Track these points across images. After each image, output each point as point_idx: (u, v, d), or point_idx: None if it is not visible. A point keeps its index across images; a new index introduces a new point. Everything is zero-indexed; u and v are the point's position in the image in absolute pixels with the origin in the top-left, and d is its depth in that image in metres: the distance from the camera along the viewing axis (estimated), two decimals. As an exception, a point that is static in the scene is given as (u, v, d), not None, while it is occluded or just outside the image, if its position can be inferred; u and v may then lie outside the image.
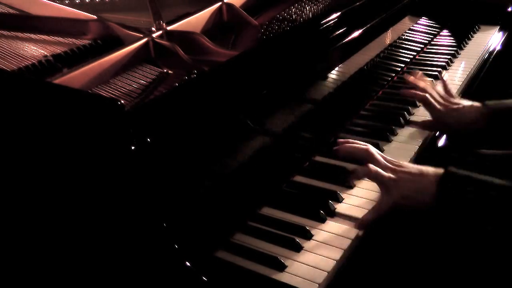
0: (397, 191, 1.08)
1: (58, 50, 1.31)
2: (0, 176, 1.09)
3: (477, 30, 2.17)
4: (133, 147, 0.91)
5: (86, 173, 0.96)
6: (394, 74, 1.78)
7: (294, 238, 1.05)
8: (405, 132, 1.46)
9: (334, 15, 1.47)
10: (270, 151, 1.21)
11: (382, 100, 1.64)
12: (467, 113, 1.38)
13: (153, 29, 1.36)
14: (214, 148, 1.06)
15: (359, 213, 1.13)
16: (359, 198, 1.19)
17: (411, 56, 1.90)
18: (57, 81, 1.13)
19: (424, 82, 1.49)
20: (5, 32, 1.40)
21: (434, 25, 2.10)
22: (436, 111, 1.41)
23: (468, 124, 1.38)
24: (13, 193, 1.08)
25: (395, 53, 1.80)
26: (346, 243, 1.05)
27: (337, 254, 1.02)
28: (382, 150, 1.36)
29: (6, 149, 1.07)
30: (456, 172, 1.04)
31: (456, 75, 1.82)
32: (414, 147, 1.39)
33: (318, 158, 1.34)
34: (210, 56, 1.34)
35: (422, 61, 1.91)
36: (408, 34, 1.91)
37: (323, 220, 1.11)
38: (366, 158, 1.15)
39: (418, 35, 1.98)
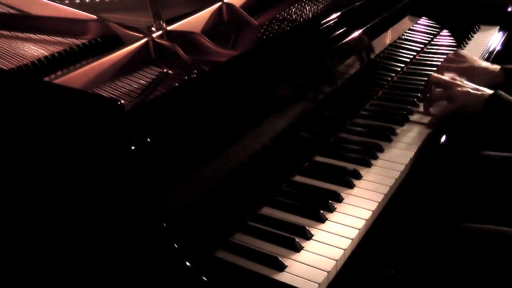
0: (460, 100, 1.45)
1: (58, 50, 1.31)
2: (0, 176, 1.09)
3: (477, 30, 2.17)
4: (133, 147, 0.91)
5: (86, 173, 0.96)
6: (394, 74, 1.78)
7: (294, 238, 1.05)
8: (405, 132, 1.46)
9: (334, 15, 1.47)
10: (270, 151, 1.21)
11: (382, 100, 1.64)
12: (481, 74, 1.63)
13: (153, 29, 1.36)
14: (214, 148, 1.06)
15: (359, 213, 1.13)
16: (359, 198, 1.19)
17: (411, 56, 1.90)
18: (57, 81, 1.13)
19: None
20: (5, 32, 1.40)
21: (434, 25, 2.10)
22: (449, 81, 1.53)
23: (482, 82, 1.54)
24: (13, 193, 1.08)
25: (395, 53, 1.80)
26: (346, 243, 1.05)
27: (337, 254, 1.02)
28: (382, 150, 1.36)
29: (6, 149, 1.07)
30: (502, 95, 1.40)
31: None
32: (414, 146, 1.39)
33: (318, 158, 1.34)
34: (210, 56, 1.34)
35: (422, 61, 1.91)
36: (408, 34, 1.91)
37: (323, 220, 1.11)
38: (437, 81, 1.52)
39: (418, 35, 1.98)
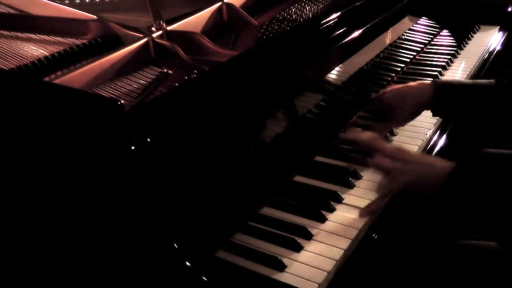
0: (404, 178, 1.09)
1: (58, 50, 1.31)
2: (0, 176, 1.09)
3: (477, 30, 2.17)
4: (133, 147, 0.91)
5: (86, 173, 0.96)
6: (394, 74, 1.78)
7: (294, 238, 1.05)
8: (405, 132, 1.46)
9: (334, 15, 1.47)
10: (270, 151, 1.21)
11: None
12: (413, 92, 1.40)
13: (153, 29, 1.36)
14: (214, 148, 1.06)
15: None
16: (359, 198, 1.19)
17: (411, 56, 1.90)
18: (57, 81, 1.13)
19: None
20: (5, 32, 1.40)
21: (434, 25, 2.10)
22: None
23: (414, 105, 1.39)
24: (12, 194, 1.08)
25: (395, 53, 1.81)
26: (346, 243, 1.05)
27: (337, 254, 1.02)
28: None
29: (6, 149, 1.07)
30: (466, 168, 1.06)
31: (456, 75, 1.82)
32: (414, 147, 1.39)
33: (318, 158, 1.34)
34: (210, 56, 1.34)
35: (422, 61, 1.91)
36: (408, 34, 1.91)
37: (323, 220, 1.11)
38: (372, 146, 1.15)
39: (418, 35, 1.98)
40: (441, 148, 1.46)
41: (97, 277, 0.99)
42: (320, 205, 1.14)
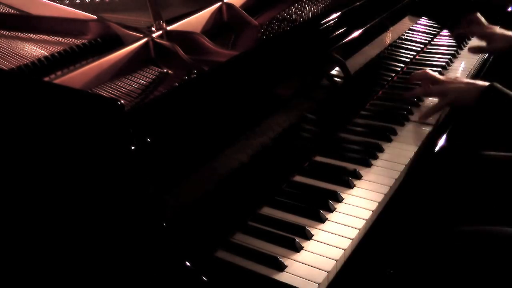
0: (454, 94, 1.45)
1: (58, 50, 1.31)
2: (0, 176, 1.09)
3: (478, 30, 2.17)
4: (133, 147, 0.91)
5: (86, 173, 0.96)
6: (394, 74, 1.78)
7: (294, 238, 1.05)
8: (405, 132, 1.46)
9: (334, 15, 1.47)
10: (270, 151, 1.21)
11: (382, 100, 1.64)
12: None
13: (153, 29, 1.36)
14: (214, 148, 1.06)
15: (359, 213, 1.13)
16: (359, 198, 1.19)
17: (411, 56, 1.90)
18: (57, 81, 1.13)
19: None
20: (5, 32, 1.40)
21: (434, 25, 2.10)
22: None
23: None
24: (12, 194, 1.08)
25: (395, 53, 1.81)
26: (346, 243, 1.05)
27: (337, 254, 1.02)
28: (382, 150, 1.36)
29: (6, 149, 1.07)
30: (497, 87, 1.37)
31: (456, 75, 1.82)
32: (414, 147, 1.39)
33: (318, 158, 1.34)
34: (210, 56, 1.34)
35: (422, 61, 1.91)
36: (408, 34, 1.91)
37: (323, 220, 1.11)
38: (425, 77, 1.54)
39: (418, 35, 1.98)
40: (441, 148, 1.46)
41: (97, 277, 0.99)
42: (320, 205, 1.14)
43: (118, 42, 1.36)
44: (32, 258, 1.10)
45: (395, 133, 1.45)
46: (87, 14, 1.44)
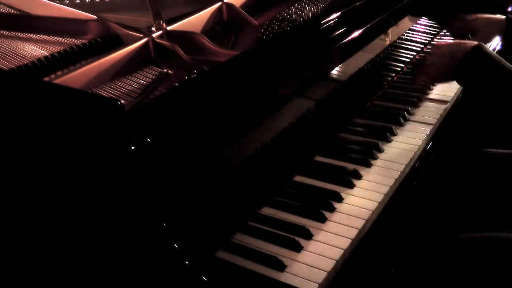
0: (442, 49, 1.53)
1: (58, 50, 1.31)
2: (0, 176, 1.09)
3: (477, 30, 2.16)
4: (133, 147, 0.91)
5: (86, 173, 0.96)
6: (394, 74, 1.78)
7: (294, 238, 1.05)
8: (405, 132, 1.46)
9: (334, 15, 1.47)
10: (271, 151, 1.21)
11: (382, 100, 1.64)
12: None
13: (153, 29, 1.36)
14: (214, 148, 1.06)
15: (360, 213, 1.13)
16: (359, 198, 1.19)
17: (411, 56, 1.90)
18: (57, 81, 1.13)
19: None
20: (5, 32, 1.40)
21: (434, 25, 2.10)
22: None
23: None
24: (12, 194, 1.08)
25: (395, 53, 1.80)
26: (346, 243, 1.05)
27: (337, 254, 1.02)
28: (382, 150, 1.36)
29: (5, 149, 1.07)
30: (483, 47, 1.43)
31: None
32: (414, 147, 1.39)
33: (318, 158, 1.34)
34: (210, 56, 1.34)
35: (422, 61, 1.90)
36: (408, 34, 1.91)
37: (323, 220, 1.11)
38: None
39: (418, 35, 1.98)
40: (442, 147, 1.46)
41: (97, 277, 0.99)
42: (320, 205, 1.14)
43: (118, 42, 1.36)
44: (32, 258, 1.10)
45: (395, 133, 1.45)
46: (87, 14, 1.44)
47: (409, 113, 1.54)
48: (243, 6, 1.66)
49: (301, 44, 1.37)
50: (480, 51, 1.43)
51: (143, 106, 1.12)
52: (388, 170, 1.28)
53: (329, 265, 1.00)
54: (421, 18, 2.03)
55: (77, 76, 1.16)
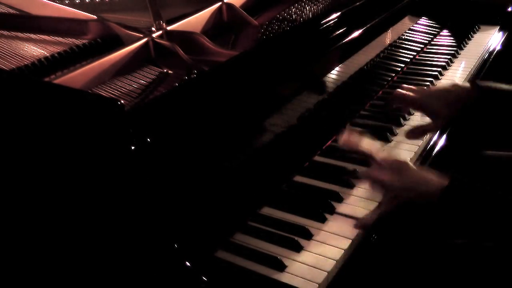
0: (402, 196, 1.08)
1: (58, 50, 1.31)
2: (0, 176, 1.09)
3: (477, 30, 2.17)
4: (133, 147, 0.91)
5: (86, 173, 0.96)
6: (394, 74, 1.78)
7: (294, 238, 1.05)
8: (405, 132, 1.46)
9: (334, 15, 1.47)
10: (270, 151, 1.21)
11: (382, 100, 1.64)
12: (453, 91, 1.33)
13: (153, 29, 1.36)
14: (214, 148, 1.06)
15: (360, 213, 1.13)
16: (359, 198, 1.19)
17: (411, 56, 1.90)
18: (57, 81, 1.13)
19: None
20: (5, 32, 1.40)
21: (434, 25, 2.10)
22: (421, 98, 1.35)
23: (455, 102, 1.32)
24: (12, 194, 1.08)
25: (395, 53, 1.80)
26: (347, 243, 1.05)
27: (337, 254, 1.02)
28: (382, 150, 1.36)
29: (5, 149, 1.07)
30: (460, 183, 1.06)
31: (456, 75, 1.82)
32: (414, 147, 1.39)
33: (318, 158, 1.34)
34: (210, 56, 1.34)
35: (422, 61, 1.91)
36: (408, 34, 1.91)
37: (323, 220, 1.11)
38: (370, 156, 1.14)
39: (418, 35, 1.98)
40: (441, 148, 1.46)
41: (97, 277, 0.99)
42: (320, 205, 1.14)
43: (118, 42, 1.36)
44: (32, 257, 1.10)
45: (394, 134, 1.44)
46: (87, 14, 1.45)
47: (409, 113, 1.54)
48: (243, 6, 1.66)
49: (301, 44, 1.37)
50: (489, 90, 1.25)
51: (143, 106, 1.13)
52: (388, 170, 1.28)
53: (329, 265, 1.00)
54: (421, 18, 2.03)
55: (77, 76, 1.16)
